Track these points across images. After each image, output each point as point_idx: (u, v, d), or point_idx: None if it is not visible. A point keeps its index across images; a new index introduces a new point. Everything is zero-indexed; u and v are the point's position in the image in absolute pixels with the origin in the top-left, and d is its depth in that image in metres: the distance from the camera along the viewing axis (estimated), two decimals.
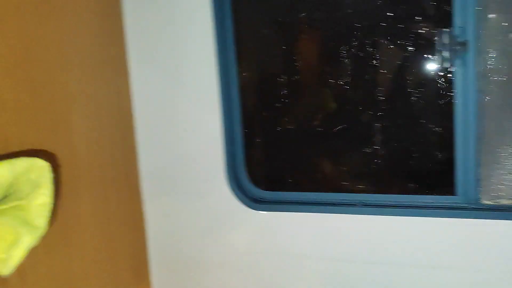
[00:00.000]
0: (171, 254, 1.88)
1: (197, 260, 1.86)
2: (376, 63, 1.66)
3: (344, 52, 1.66)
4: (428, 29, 1.61)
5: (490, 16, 1.51)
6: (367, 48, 1.64)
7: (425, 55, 1.62)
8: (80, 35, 1.53)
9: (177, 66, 1.73)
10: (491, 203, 1.58)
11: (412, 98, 1.64)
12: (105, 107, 1.65)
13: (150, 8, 1.72)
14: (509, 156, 1.54)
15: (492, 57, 1.53)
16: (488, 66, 1.53)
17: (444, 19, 1.57)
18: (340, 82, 1.69)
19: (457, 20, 1.53)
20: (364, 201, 1.71)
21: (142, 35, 1.75)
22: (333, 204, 1.71)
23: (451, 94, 1.59)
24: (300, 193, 1.74)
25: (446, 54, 1.57)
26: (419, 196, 1.68)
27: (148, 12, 1.72)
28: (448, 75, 1.60)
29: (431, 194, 1.67)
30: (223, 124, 1.72)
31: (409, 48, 1.63)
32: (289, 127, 1.79)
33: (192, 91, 1.73)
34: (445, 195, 1.64)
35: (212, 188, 1.76)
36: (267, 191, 1.77)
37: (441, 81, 1.62)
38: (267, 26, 1.74)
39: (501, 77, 1.52)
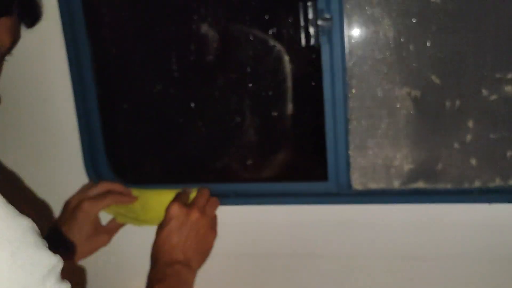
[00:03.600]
0: None
1: None
2: (237, 42, 1.53)
3: (202, 36, 1.52)
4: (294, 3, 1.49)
5: None
6: (226, 29, 1.51)
7: (292, 32, 1.51)
8: None
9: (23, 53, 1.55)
10: (361, 188, 1.51)
11: (280, 79, 1.53)
12: None
13: None
14: (376, 139, 1.47)
15: (357, 34, 1.44)
16: (353, 44, 1.44)
17: None
18: (198, 68, 1.55)
19: None
20: (237, 191, 1.61)
21: None
22: None
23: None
24: (170, 185, 1.61)
25: (311, 30, 1.47)
26: (293, 183, 1.59)
27: None
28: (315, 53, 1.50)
29: (306, 181, 1.58)
30: (77, 113, 1.56)
31: (273, 23, 1.51)
32: (155, 118, 1.64)
33: (40, 77, 1.56)
34: (318, 181, 1.56)
35: (69, 183, 1.60)
36: (135, 184, 1.63)
37: (310, 60, 1.52)
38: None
39: (365, 55, 1.43)
